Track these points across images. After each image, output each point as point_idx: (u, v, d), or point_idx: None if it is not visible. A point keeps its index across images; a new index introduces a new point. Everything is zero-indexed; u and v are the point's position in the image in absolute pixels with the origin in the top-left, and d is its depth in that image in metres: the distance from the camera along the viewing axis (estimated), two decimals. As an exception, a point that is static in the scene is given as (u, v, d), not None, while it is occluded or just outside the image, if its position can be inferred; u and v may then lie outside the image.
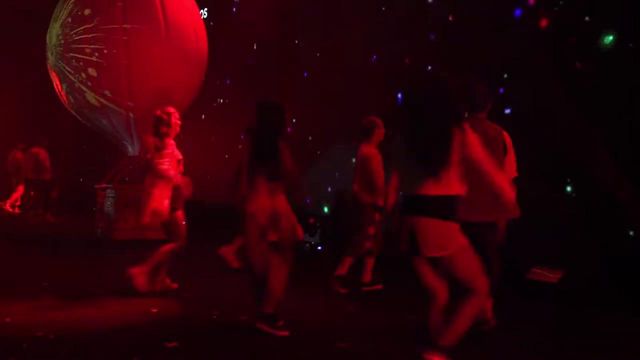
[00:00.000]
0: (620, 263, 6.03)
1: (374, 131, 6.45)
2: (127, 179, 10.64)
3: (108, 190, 10.46)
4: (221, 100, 11.42)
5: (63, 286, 6.43)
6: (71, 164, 16.37)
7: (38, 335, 4.63)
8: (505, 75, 7.32)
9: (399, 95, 8.77)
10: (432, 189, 3.49)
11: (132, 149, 10.84)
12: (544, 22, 6.91)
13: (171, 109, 6.25)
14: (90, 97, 10.10)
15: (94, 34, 9.88)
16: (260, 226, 4.79)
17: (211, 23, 12.53)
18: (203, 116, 13.07)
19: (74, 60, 10.00)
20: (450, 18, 8.26)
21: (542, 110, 6.69)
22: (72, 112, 10.86)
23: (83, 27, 9.96)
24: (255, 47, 12.34)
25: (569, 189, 6.67)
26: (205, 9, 12.96)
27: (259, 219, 4.78)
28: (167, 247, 6.16)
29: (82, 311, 5.45)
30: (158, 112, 6.20)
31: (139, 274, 6.05)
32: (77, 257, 8.54)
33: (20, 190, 14.93)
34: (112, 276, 7.12)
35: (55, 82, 10.63)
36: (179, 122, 6.25)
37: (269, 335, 4.71)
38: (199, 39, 10.63)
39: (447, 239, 3.49)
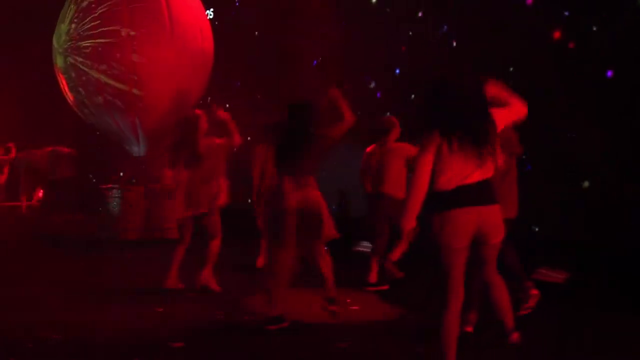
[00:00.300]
0: (620, 263, 6.03)
1: (392, 131, 6.47)
2: (133, 180, 10.67)
3: (114, 191, 10.48)
4: (227, 105, 11.36)
5: (66, 286, 6.43)
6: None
7: (41, 336, 4.64)
8: (512, 69, 7.30)
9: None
10: (483, 174, 3.53)
11: (137, 150, 10.81)
12: (556, 34, 6.91)
13: (199, 112, 6.38)
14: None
15: (100, 20, 9.88)
16: (291, 223, 4.84)
17: (216, 22, 12.50)
18: (209, 99, 12.88)
19: (85, 49, 9.98)
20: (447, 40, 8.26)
21: (542, 110, 6.70)
22: (78, 112, 10.81)
23: (91, 17, 9.97)
24: (256, 46, 12.30)
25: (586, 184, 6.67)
26: (211, 9, 12.90)
27: (291, 215, 4.83)
28: (217, 244, 6.26)
29: (86, 311, 5.45)
30: (187, 115, 6.36)
31: (209, 279, 6.23)
32: (81, 257, 8.54)
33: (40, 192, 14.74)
34: (117, 276, 7.13)
35: (63, 84, 10.59)
36: (205, 124, 6.32)
37: (273, 335, 4.74)
38: (205, 39, 10.60)
39: (502, 222, 3.60)
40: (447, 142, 3.47)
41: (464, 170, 3.48)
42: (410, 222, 3.53)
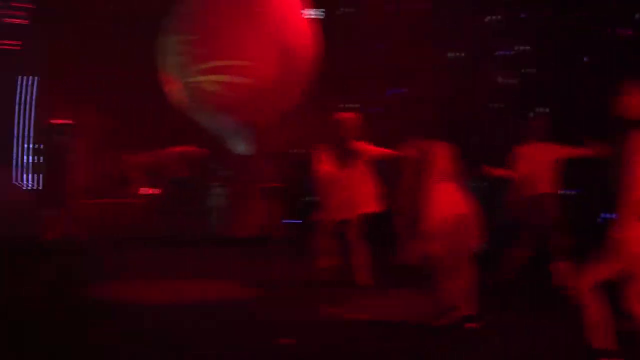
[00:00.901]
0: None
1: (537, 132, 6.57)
2: (236, 177, 10.97)
3: (219, 189, 10.91)
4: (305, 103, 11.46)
5: (165, 283, 6.70)
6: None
7: (136, 339, 4.82)
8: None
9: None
10: None
11: (242, 148, 10.90)
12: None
13: (352, 114, 6.63)
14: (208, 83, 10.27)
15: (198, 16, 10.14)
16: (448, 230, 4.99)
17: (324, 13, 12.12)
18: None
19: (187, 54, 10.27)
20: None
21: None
22: (190, 114, 10.98)
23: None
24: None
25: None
26: (316, 9, 11.96)
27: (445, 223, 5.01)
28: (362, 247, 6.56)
29: (190, 309, 5.68)
30: (338, 117, 6.60)
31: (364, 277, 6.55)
32: (186, 253, 8.74)
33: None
34: (220, 274, 7.33)
35: (173, 89, 10.73)
36: (359, 127, 6.53)
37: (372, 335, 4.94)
38: (302, 36, 10.41)
39: None
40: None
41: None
42: (624, 231, 3.58)
